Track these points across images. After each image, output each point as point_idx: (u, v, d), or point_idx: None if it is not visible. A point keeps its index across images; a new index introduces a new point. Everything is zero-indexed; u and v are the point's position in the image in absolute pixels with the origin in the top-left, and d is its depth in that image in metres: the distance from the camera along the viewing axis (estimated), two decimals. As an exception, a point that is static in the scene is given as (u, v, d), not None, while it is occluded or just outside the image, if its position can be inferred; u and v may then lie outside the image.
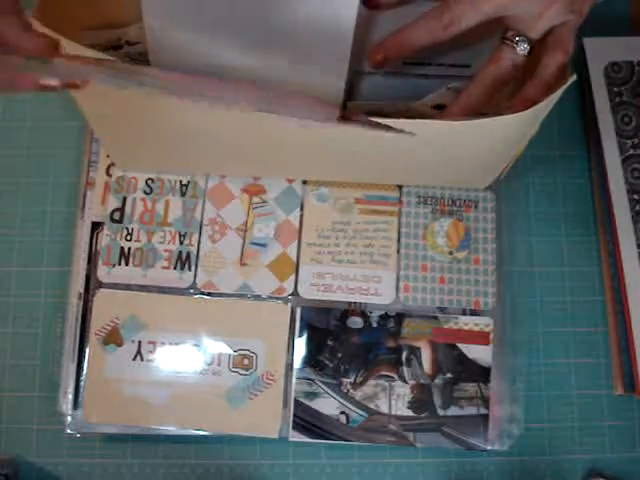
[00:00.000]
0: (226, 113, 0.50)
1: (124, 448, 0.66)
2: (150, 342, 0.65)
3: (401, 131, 0.50)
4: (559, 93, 0.48)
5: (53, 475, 0.66)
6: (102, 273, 0.67)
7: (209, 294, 0.67)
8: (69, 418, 0.65)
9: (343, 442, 0.64)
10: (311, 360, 0.65)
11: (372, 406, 0.64)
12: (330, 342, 0.66)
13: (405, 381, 0.65)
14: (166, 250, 0.67)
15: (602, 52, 0.72)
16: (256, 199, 0.69)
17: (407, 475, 0.66)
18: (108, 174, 0.69)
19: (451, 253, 0.67)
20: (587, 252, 0.71)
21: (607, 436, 0.67)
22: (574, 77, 0.48)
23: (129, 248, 0.67)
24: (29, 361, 0.68)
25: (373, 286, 0.67)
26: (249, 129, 0.54)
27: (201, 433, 0.65)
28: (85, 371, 0.65)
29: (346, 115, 0.49)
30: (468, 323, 0.66)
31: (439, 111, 0.62)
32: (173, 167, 0.68)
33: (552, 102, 0.49)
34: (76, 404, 0.65)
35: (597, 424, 0.68)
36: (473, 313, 0.67)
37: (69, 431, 0.65)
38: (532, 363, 0.68)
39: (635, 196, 0.68)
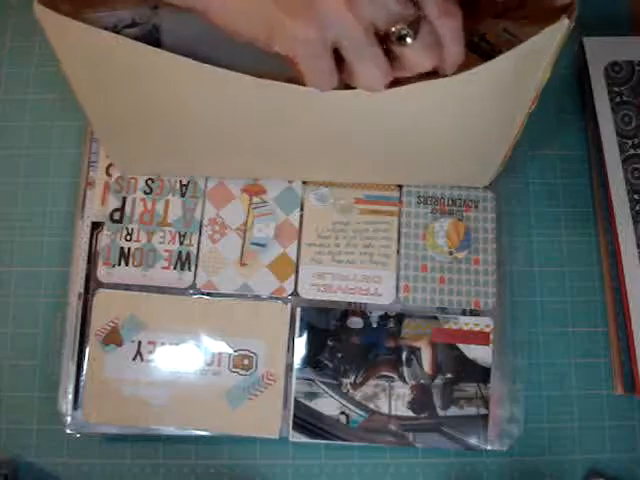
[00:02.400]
0: (225, 94, 0.51)
1: (124, 448, 0.66)
2: (150, 342, 0.65)
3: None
4: (550, 35, 0.45)
5: (53, 475, 0.66)
6: (102, 273, 0.67)
7: (209, 294, 0.67)
8: (69, 418, 0.64)
9: (343, 442, 0.64)
10: (311, 360, 0.65)
11: (372, 406, 0.64)
12: (330, 342, 0.65)
13: (405, 381, 0.65)
14: (166, 250, 0.67)
15: (602, 52, 0.72)
16: (256, 199, 0.69)
17: (407, 475, 0.66)
18: (108, 174, 0.69)
19: (451, 253, 0.67)
20: (587, 252, 0.71)
21: (607, 436, 0.67)
22: (567, 21, 0.45)
23: (129, 248, 0.67)
24: (29, 361, 0.68)
25: (373, 286, 0.67)
26: (248, 113, 0.54)
27: (201, 433, 0.65)
28: (85, 371, 0.65)
29: None
30: (468, 323, 0.66)
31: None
32: (172, 168, 0.68)
33: (539, 46, 0.47)
34: (76, 404, 0.65)
35: (597, 424, 0.67)
36: (473, 313, 0.67)
37: (69, 431, 0.65)
38: (532, 363, 0.68)
39: (635, 196, 0.68)
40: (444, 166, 0.65)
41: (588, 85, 0.72)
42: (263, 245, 0.68)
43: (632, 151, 0.69)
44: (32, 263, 0.70)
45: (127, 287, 0.67)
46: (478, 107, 0.53)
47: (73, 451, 0.66)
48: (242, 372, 0.65)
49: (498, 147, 0.62)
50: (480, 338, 0.66)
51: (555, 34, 0.46)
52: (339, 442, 0.64)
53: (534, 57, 0.48)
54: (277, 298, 0.67)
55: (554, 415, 0.67)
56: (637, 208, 0.68)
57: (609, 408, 0.68)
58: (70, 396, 0.65)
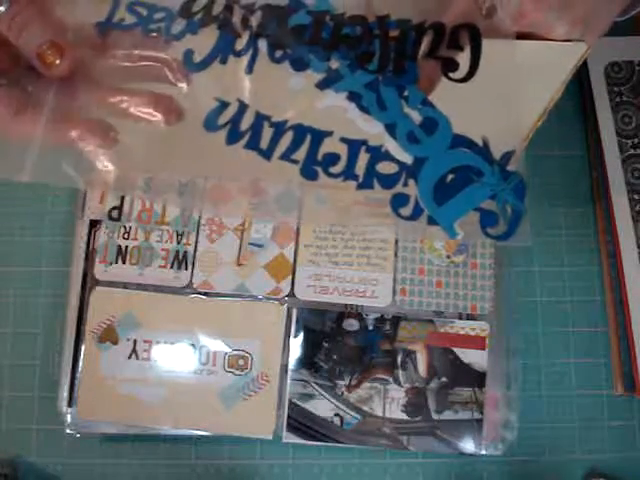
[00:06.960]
0: None
1: (124, 448, 0.67)
2: (145, 341, 0.65)
3: None
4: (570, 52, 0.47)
5: (53, 475, 0.66)
6: (99, 271, 0.67)
7: (205, 294, 0.67)
8: (69, 418, 0.65)
9: (338, 444, 0.64)
10: (306, 361, 0.65)
11: (366, 409, 0.64)
12: (325, 344, 0.65)
13: (400, 384, 0.65)
14: (163, 249, 0.68)
15: (602, 52, 0.71)
16: (255, 199, 0.68)
17: (407, 475, 0.66)
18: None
19: (448, 257, 0.67)
20: (587, 252, 0.71)
21: (607, 436, 0.67)
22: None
23: (126, 246, 0.67)
24: (29, 361, 0.68)
25: (370, 289, 0.67)
26: None
27: (201, 433, 0.65)
28: (80, 368, 0.65)
29: None
30: (464, 327, 0.65)
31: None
32: None
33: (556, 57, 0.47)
34: (71, 402, 0.65)
35: (597, 424, 0.67)
36: (469, 317, 0.66)
37: (69, 431, 0.65)
38: (531, 363, 0.68)
39: (635, 196, 0.68)
40: None
41: (588, 85, 0.71)
42: (260, 246, 0.67)
43: (632, 151, 0.69)
44: (32, 263, 0.70)
45: (124, 285, 0.67)
46: (484, 116, 0.53)
47: (73, 451, 0.67)
48: (237, 372, 0.65)
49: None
50: (476, 342, 0.65)
51: (574, 53, 0.47)
52: (333, 444, 0.64)
53: (549, 67, 0.49)
54: (273, 299, 0.67)
55: (554, 415, 0.67)
56: (637, 208, 0.67)
57: (609, 408, 0.68)
58: (65, 393, 0.65)
